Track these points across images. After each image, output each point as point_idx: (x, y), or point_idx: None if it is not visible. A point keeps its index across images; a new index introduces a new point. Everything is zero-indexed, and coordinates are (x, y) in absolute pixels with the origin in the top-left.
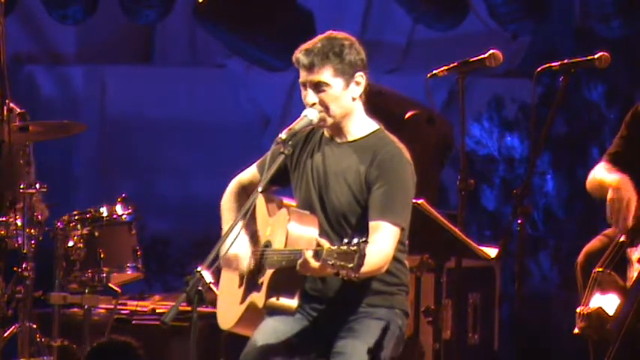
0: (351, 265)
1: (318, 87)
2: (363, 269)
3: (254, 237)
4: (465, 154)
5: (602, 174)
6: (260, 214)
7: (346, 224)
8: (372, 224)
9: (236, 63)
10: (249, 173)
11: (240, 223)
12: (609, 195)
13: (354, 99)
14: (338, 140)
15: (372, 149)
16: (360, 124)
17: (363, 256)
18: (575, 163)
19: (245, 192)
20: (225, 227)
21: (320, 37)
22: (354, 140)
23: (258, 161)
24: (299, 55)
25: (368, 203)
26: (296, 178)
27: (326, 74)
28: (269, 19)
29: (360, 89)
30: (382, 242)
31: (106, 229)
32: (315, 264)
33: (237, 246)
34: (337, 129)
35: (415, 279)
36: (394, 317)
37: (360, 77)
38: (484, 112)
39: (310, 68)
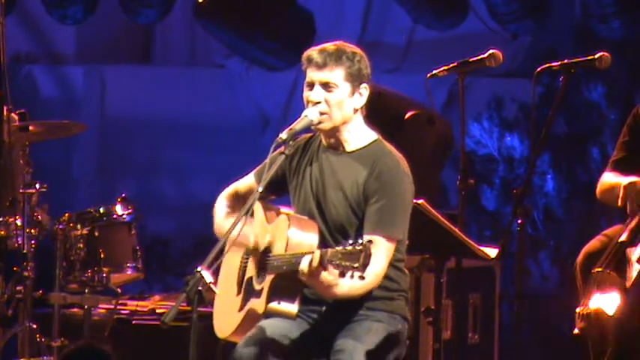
0: (356, 264)
1: (326, 87)
2: (357, 284)
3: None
4: (465, 154)
5: (615, 179)
6: (258, 221)
7: (345, 234)
8: (366, 238)
9: (236, 63)
10: (246, 182)
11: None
12: (625, 183)
13: (355, 110)
14: (336, 150)
15: (371, 160)
16: (359, 135)
17: (369, 255)
18: (575, 163)
19: (240, 200)
20: (217, 228)
21: (332, 42)
22: (353, 151)
23: (255, 170)
24: (312, 52)
25: (364, 216)
26: (294, 187)
27: (337, 75)
28: (269, 19)
29: (362, 101)
30: (375, 259)
31: (106, 229)
32: (320, 266)
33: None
34: (335, 138)
35: (415, 279)
36: (394, 322)
37: (364, 89)
38: (484, 112)
39: (323, 67)
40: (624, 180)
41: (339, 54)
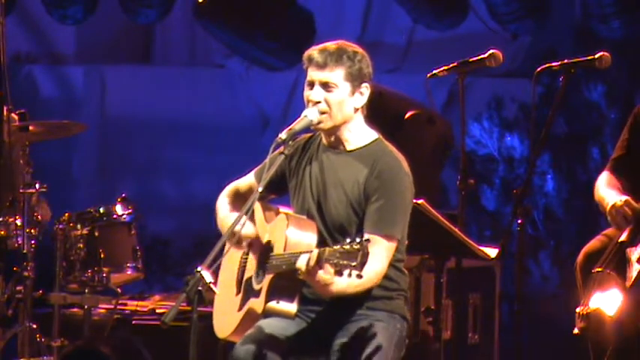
0: (354, 263)
1: (326, 86)
2: (354, 283)
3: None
4: (465, 154)
5: (605, 190)
6: (257, 221)
7: (344, 234)
8: (365, 237)
9: (236, 63)
10: (247, 181)
11: (243, 219)
12: (609, 206)
13: (356, 109)
14: (337, 149)
15: (372, 159)
16: (359, 134)
17: (366, 254)
18: (575, 163)
19: (241, 198)
20: (221, 223)
21: (334, 42)
22: (353, 150)
23: (256, 169)
24: (312, 52)
25: (365, 215)
26: (294, 186)
27: (337, 75)
28: (269, 19)
29: (363, 100)
30: (375, 258)
31: (106, 229)
32: (318, 264)
33: (245, 228)
34: (335, 137)
35: (415, 279)
36: (393, 321)
37: (365, 88)
38: (484, 112)
39: (323, 66)
40: (609, 200)
41: (340, 54)
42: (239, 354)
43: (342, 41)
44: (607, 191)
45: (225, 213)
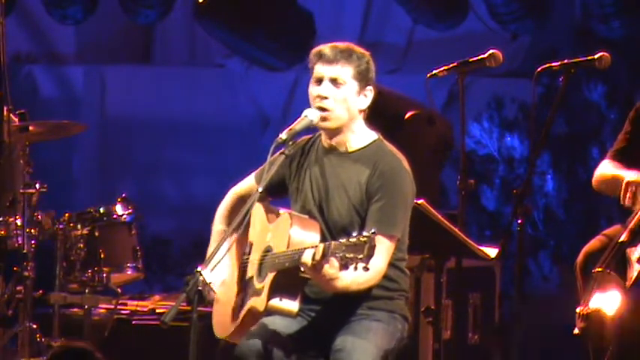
0: (360, 256)
1: (335, 82)
2: (358, 280)
3: (250, 246)
4: (465, 154)
5: (615, 170)
6: (259, 221)
7: (347, 235)
8: (373, 230)
9: (236, 63)
10: (247, 184)
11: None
12: (628, 179)
13: (360, 111)
14: (337, 151)
15: (373, 160)
16: (360, 136)
17: (373, 247)
18: (575, 163)
19: (241, 203)
20: (213, 243)
21: (341, 43)
22: (354, 151)
23: (256, 171)
24: (323, 48)
25: (366, 214)
26: (294, 188)
27: (346, 72)
28: (269, 19)
29: (366, 103)
30: (375, 257)
31: (106, 229)
32: (323, 258)
33: (219, 270)
34: (336, 138)
35: (415, 279)
36: (394, 321)
37: (369, 92)
38: (484, 112)
39: (334, 61)
40: (626, 174)
41: (350, 52)
42: (244, 349)
43: (349, 43)
44: (617, 170)
45: (213, 235)
